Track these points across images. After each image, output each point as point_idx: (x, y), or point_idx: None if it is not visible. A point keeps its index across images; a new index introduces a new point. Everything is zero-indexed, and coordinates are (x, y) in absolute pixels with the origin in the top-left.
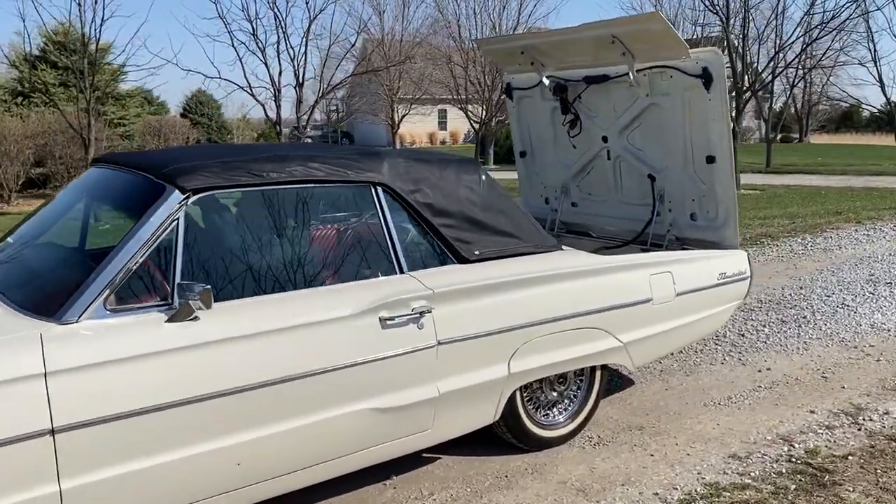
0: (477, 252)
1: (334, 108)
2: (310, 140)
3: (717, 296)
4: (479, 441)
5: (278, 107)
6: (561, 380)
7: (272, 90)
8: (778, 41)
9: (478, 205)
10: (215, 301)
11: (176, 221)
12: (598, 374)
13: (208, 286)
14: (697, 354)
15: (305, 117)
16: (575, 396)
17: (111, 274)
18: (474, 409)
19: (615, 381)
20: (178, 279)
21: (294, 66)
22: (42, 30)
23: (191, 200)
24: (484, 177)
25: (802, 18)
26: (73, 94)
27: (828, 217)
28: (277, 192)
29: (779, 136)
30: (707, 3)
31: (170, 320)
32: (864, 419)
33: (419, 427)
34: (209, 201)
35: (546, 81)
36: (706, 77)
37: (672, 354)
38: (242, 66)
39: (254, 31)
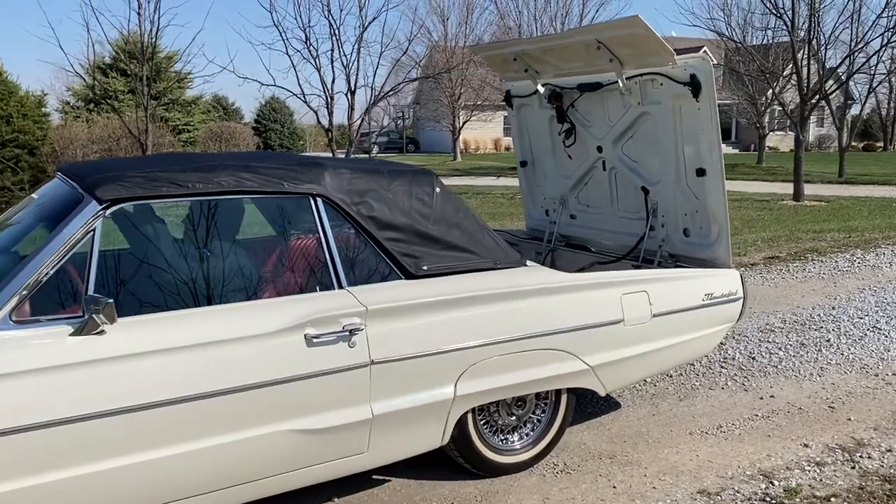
0: (425, 267)
1: (400, 114)
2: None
3: (703, 318)
4: (433, 464)
5: (330, 114)
6: (520, 403)
7: (324, 97)
8: (852, 43)
9: (429, 218)
10: (130, 315)
11: (92, 233)
12: (563, 398)
13: (111, 300)
14: (698, 377)
15: (357, 124)
16: (539, 421)
17: (19, 284)
18: (417, 433)
19: (600, 403)
20: (89, 291)
21: (346, 74)
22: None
23: (109, 211)
24: (438, 189)
25: (876, 19)
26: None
27: (888, 231)
28: (204, 203)
29: (861, 145)
30: (769, 5)
31: (74, 334)
32: (861, 456)
33: (353, 450)
34: (131, 212)
35: (541, 89)
36: (694, 84)
37: (669, 376)
38: (296, 74)
39: (307, 38)
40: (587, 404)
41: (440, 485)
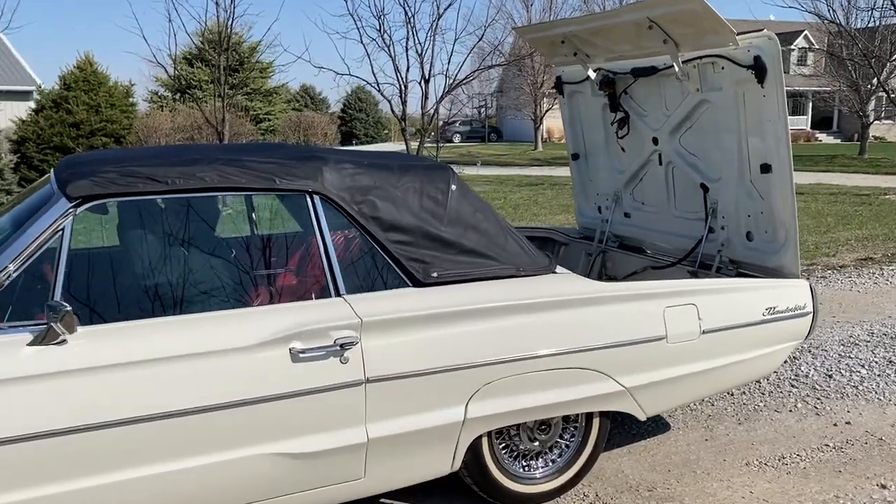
0: (435, 274)
1: (483, 103)
2: (457, 136)
3: (763, 335)
4: (446, 488)
5: (403, 103)
6: (543, 427)
7: (398, 86)
8: None
9: (442, 219)
10: (98, 324)
11: (60, 232)
12: (595, 422)
13: (68, 308)
14: (763, 397)
15: (431, 113)
16: (567, 446)
17: None
18: (422, 458)
19: (646, 424)
20: (56, 297)
21: (420, 62)
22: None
23: (80, 210)
24: (454, 186)
25: None
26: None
27: None
28: (184, 201)
29: None
30: None
31: (32, 343)
32: None
33: (348, 475)
34: (105, 211)
35: (592, 75)
36: (759, 68)
37: (729, 394)
38: (370, 63)
39: (381, 27)
40: (631, 424)
41: None
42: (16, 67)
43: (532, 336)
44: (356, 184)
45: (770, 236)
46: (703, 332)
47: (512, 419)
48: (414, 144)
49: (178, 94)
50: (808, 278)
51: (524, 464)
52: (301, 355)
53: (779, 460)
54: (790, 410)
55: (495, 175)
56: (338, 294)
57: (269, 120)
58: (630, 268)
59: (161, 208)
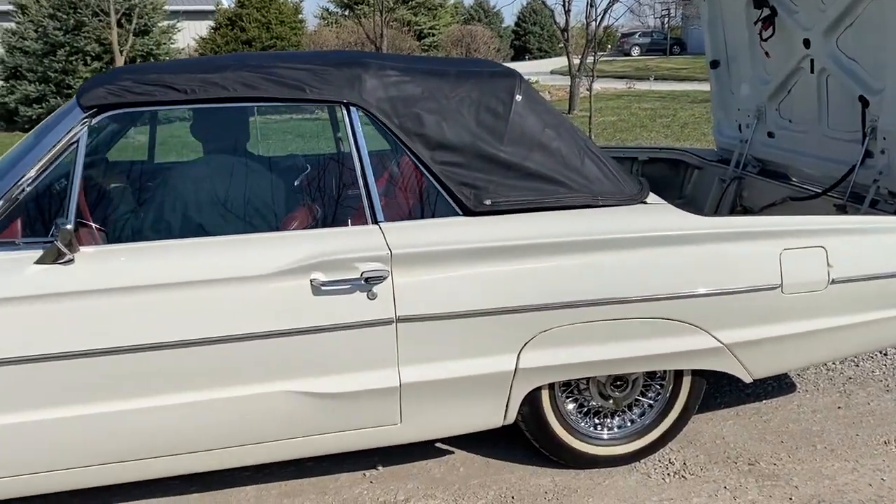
0: (488, 202)
1: (666, 12)
2: (636, 48)
3: None
4: (510, 440)
5: (567, 12)
6: (619, 383)
7: None
8: None
9: (502, 137)
10: (110, 243)
11: (75, 145)
12: (685, 380)
13: (70, 226)
14: None
15: (596, 23)
16: (650, 406)
17: None
18: (466, 408)
19: (767, 384)
20: (68, 213)
21: None
22: None
23: (95, 120)
24: (519, 97)
25: None
26: (389, 6)
27: None
28: (207, 112)
29: None
30: None
31: (38, 261)
32: None
33: (381, 420)
34: (122, 122)
35: None
36: None
37: (882, 353)
38: None
39: None
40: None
41: (509, 468)
42: None
43: (602, 278)
44: (401, 94)
45: None
46: (833, 282)
47: (575, 372)
48: (581, 59)
49: (347, 10)
50: None
51: (597, 422)
52: (323, 288)
53: None
54: None
55: (669, 91)
56: (375, 221)
57: (433, 35)
58: (769, 198)
59: (185, 120)
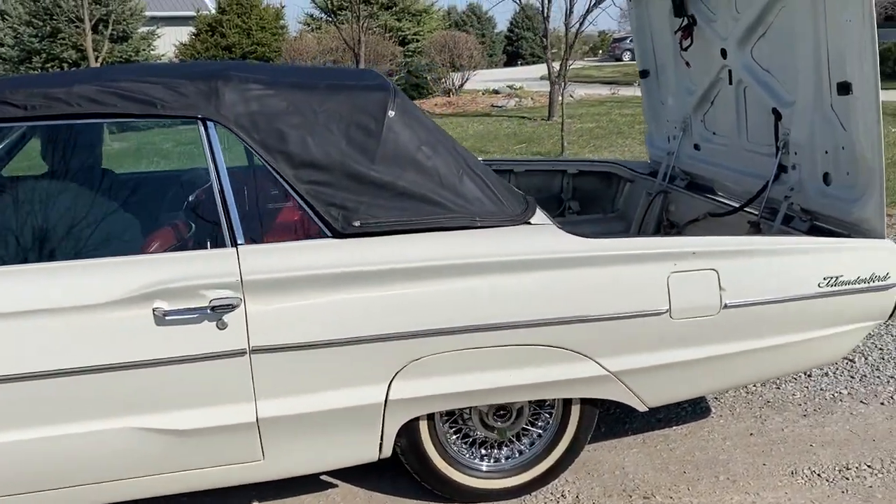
0: (357, 223)
1: None
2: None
3: (820, 313)
4: (398, 472)
5: (545, 19)
6: (502, 413)
7: (539, 1)
8: None
9: (373, 155)
10: None
11: None
12: (574, 409)
13: None
14: (850, 381)
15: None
16: (539, 436)
17: None
18: (338, 443)
19: (681, 408)
20: None
21: None
22: None
23: None
24: (392, 112)
25: None
26: (373, 11)
27: None
28: (51, 129)
29: None
30: None
31: None
32: None
33: (243, 456)
34: None
35: None
36: None
37: (806, 374)
38: None
39: None
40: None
41: (395, 502)
42: None
43: (476, 304)
44: (263, 108)
45: (851, 180)
46: (726, 307)
47: (451, 403)
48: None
49: (332, 15)
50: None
51: (484, 453)
52: (167, 318)
53: (839, 472)
54: (882, 403)
55: None
56: (234, 244)
57: (418, 41)
58: (692, 213)
59: (28, 136)
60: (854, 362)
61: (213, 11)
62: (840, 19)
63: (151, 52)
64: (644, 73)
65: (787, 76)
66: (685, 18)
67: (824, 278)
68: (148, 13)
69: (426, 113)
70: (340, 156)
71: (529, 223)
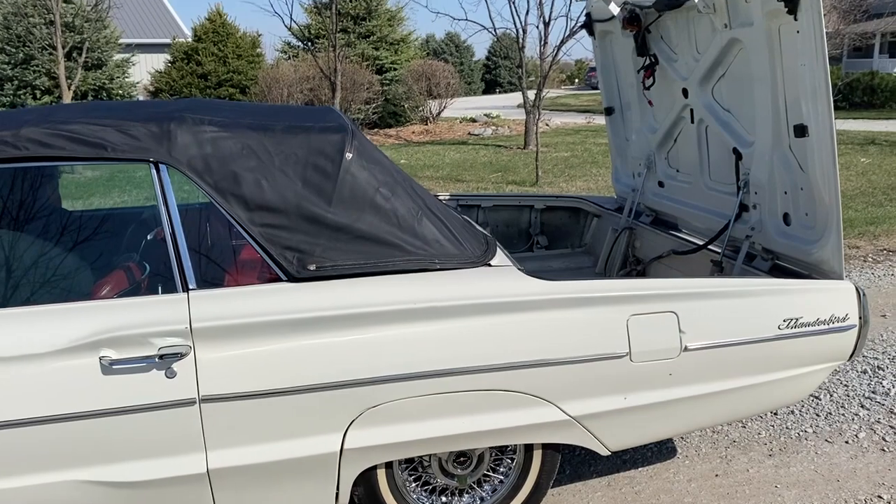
0: (313, 266)
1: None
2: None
3: (779, 355)
4: None
5: (521, 48)
6: (462, 459)
7: (514, 31)
8: None
9: (329, 197)
10: None
11: None
12: (536, 454)
13: None
14: (815, 420)
15: (550, 60)
16: (501, 482)
17: None
18: (292, 493)
19: (647, 450)
20: None
21: (539, 4)
22: None
23: None
24: (350, 154)
25: None
26: (350, 40)
27: None
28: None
29: None
30: None
31: None
32: None
33: None
34: None
35: (616, 10)
36: None
37: (772, 413)
38: (487, 6)
39: None
40: None
41: None
42: (165, 17)
43: (434, 349)
44: (217, 151)
45: (809, 221)
46: (686, 350)
47: (408, 451)
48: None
49: (309, 44)
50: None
51: (444, 500)
52: (114, 367)
53: None
54: (847, 442)
55: None
56: (185, 289)
57: (395, 69)
58: (657, 250)
59: None
60: (819, 399)
61: (190, 39)
62: (795, 63)
63: (126, 79)
64: (609, 111)
65: (747, 117)
66: (648, 58)
67: (784, 320)
68: (123, 40)
69: (401, 143)
70: (296, 198)
71: (489, 265)
